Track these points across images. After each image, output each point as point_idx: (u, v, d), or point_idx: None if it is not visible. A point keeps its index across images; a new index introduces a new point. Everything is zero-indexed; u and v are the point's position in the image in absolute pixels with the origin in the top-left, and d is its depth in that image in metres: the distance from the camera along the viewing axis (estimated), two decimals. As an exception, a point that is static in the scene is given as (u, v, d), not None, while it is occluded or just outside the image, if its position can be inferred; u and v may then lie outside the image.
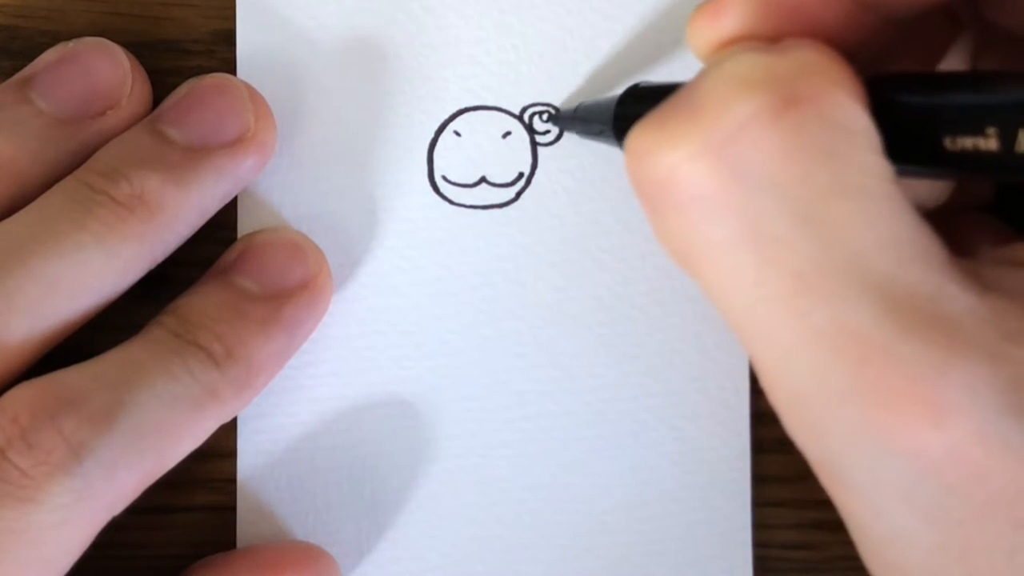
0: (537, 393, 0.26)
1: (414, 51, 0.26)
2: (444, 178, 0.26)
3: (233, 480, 0.26)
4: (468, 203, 0.26)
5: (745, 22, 0.19)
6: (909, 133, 0.18)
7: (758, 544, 0.27)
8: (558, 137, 0.26)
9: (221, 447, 0.25)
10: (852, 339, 0.16)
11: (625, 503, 0.26)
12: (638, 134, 0.18)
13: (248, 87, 0.24)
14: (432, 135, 0.26)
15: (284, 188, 0.26)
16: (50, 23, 0.25)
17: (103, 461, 0.21)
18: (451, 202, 0.26)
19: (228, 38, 0.25)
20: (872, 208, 0.17)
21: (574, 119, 0.25)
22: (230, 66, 0.25)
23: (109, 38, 0.24)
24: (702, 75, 0.18)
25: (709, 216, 0.17)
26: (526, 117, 0.26)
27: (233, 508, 0.26)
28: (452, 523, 0.26)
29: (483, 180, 0.26)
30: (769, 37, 0.19)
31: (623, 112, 0.23)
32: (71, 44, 0.24)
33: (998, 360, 0.16)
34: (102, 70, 0.24)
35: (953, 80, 0.19)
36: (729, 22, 0.19)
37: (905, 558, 0.17)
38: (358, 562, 0.26)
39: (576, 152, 0.26)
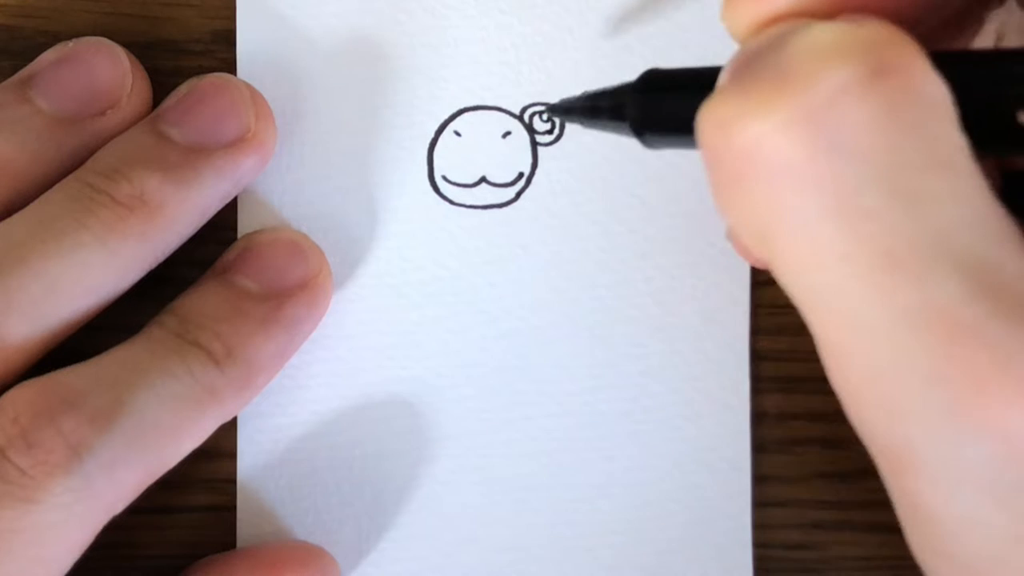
0: (537, 393, 0.26)
1: (414, 51, 0.26)
2: (444, 178, 0.26)
3: (233, 480, 0.26)
4: (468, 203, 0.26)
5: None
6: (981, 110, 0.18)
7: (758, 544, 0.27)
8: (558, 137, 0.26)
9: (221, 447, 0.25)
10: (941, 318, 0.16)
11: (625, 503, 0.26)
12: (718, 104, 0.17)
13: (248, 87, 0.24)
14: (432, 135, 0.26)
15: (284, 188, 0.26)
16: (50, 23, 0.25)
17: (103, 461, 0.21)
18: (451, 202, 0.26)
19: (228, 38, 0.25)
20: (960, 184, 0.16)
21: (576, 108, 0.25)
22: (230, 66, 0.25)
23: (109, 38, 0.24)
24: (778, 45, 0.17)
25: (798, 187, 0.17)
26: (526, 117, 0.26)
27: (233, 508, 0.26)
28: (452, 523, 0.26)
29: (483, 180, 0.26)
30: (823, 13, 0.18)
31: (639, 97, 0.22)
32: (71, 44, 0.24)
33: None
34: (102, 70, 0.24)
35: (1016, 55, 0.18)
36: None
37: (974, 548, 0.17)
38: (358, 562, 0.26)
39: (576, 152, 0.26)
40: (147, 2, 0.25)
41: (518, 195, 0.26)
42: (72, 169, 0.23)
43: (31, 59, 0.24)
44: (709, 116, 0.18)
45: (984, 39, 0.22)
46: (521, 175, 0.26)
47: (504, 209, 0.26)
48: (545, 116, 0.26)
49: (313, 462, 0.26)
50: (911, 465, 0.17)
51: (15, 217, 0.22)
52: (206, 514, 0.26)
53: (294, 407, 0.26)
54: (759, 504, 0.27)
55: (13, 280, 0.21)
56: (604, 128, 0.23)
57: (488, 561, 0.26)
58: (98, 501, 0.21)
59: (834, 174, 0.17)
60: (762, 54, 0.17)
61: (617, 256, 0.26)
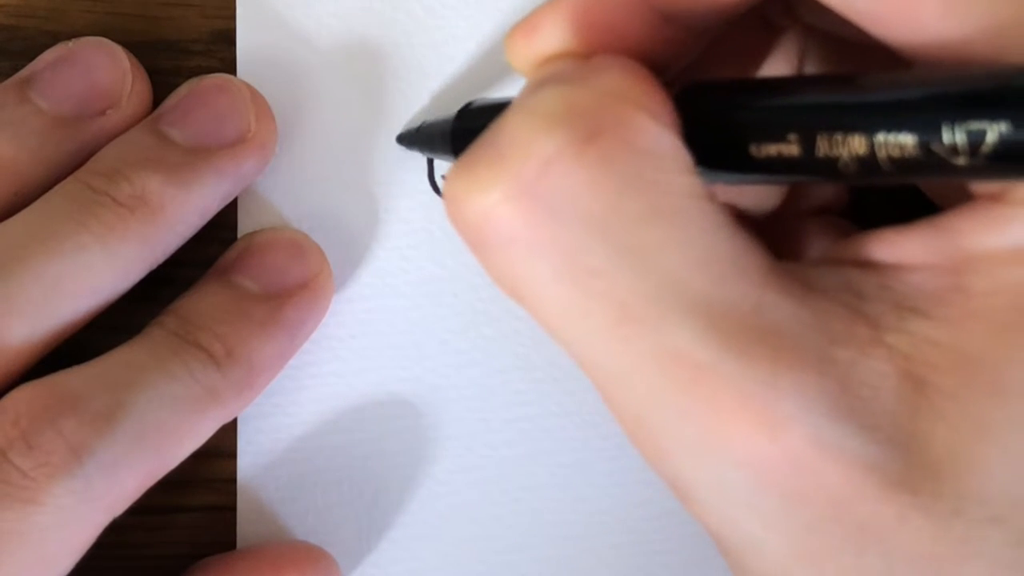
0: (537, 393, 0.26)
1: (414, 51, 0.26)
2: (444, 178, 0.26)
3: (233, 480, 0.26)
4: (468, 203, 0.26)
5: (558, 40, 0.19)
6: (719, 143, 0.18)
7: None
8: None
9: (221, 447, 0.25)
10: (679, 362, 0.17)
11: (625, 503, 0.26)
12: (451, 180, 0.18)
13: (249, 87, 0.24)
14: (432, 135, 0.26)
15: (284, 188, 0.26)
16: (50, 23, 0.25)
17: (104, 462, 0.21)
18: (451, 202, 0.26)
19: (228, 38, 0.25)
20: (683, 229, 0.17)
21: (416, 139, 0.25)
22: (230, 66, 0.25)
23: (109, 38, 0.24)
24: (505, 115, 0.18)
25: (528, 255, 0.17)
26: (526, 117, 0.26)
27: (233, 508, 0.26)
28: (452, 523, 0.26)
29: (483, 180, 0.26)
30: (582, 53, 0.19)
31: (459, 129, 0.23)
32: (71, 44, 0.24)
33: (824, 364, 0.16)
34: (102, 70, 0.24)
35: (756, 86, 0.19)
36: (544, 40, 0.19)
37: (763, 567, 0.18)
38: (358, 562, 0.26)
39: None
40: (147, 2, 0.25)
41: (518, 195, 0.26)
42: (72, 169, 0.23)
43: (31, 59, 0.24)
44: (445, 192, 0.18)
45: (784, 57, 0.23)
46: (521, 175, 0.26)
47: (504, 209, 0.26)
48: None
49: (313, 462, 0.26)
50: (688, 496, 0.18)
51: (15, 218, 0.22)
52: (206, 514, 0.26)
53: (294, 407, 0.26)
54: (758, 504, 0.27)
55: (13, 281, 0.21)
56: (439, 156, 0.24)
57: (488, 561, 0.26)
58: (99, 502, 0.21)
59: (556, 240, 0.17)
60: (492, 127, 0.18)
61: (617, 256, 0.26)
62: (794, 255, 0.18)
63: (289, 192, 0.26)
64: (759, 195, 0.23)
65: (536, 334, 0.26)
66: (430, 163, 0.26)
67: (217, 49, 0.25)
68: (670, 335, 0.17)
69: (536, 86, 0.18)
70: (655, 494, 0.26)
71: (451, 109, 0.24)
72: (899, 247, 0.18)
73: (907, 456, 0.16)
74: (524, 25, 0.20)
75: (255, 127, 0.24)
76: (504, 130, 0.18)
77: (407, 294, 0.26)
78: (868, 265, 0.18)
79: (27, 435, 0.21)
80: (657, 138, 0.17)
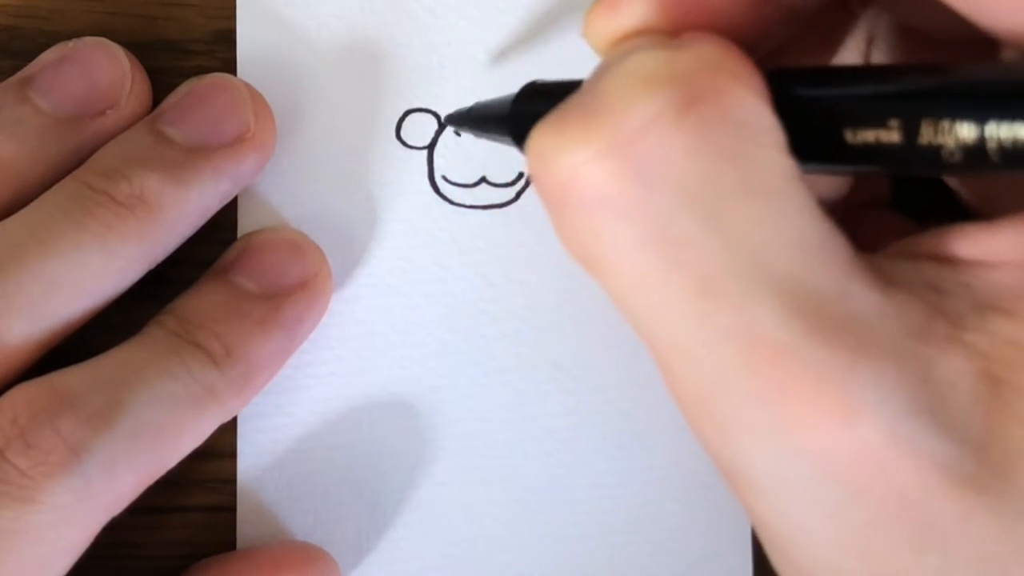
0: (537, 393, 0.26)
1: (414, 51, 0.26)
2: (444, 178, 0.26)
3: (233, 480, 0.26)
4: (468, 203, 0.26)
5: (644, 15, 0.19)
6: (812, 128, 0.18)
7: (758, 544, 0.27)
8: None
9: (221, 447, 0.25)
10: (758, 341, 0.16)
11: (625, 503, 0.26)
12: (539, 135, 0.18)
13: (248, 87, 0.24)
14: (432, 135, 0.26)
15: (284, 188, 0.26)
16: (50, 23, 0.25)
17: (102, 461, 0.21)
18: (451, 202, 0.26)
19: (228, 38, 0.25)
20: (777, 208, 0.17)
21: (467, 118, 0.25)
22: (230, 66, 0.25)
23: (109, 38, 0.24)
24: (602, 73, 0.18)
25: (614, 218, 0.17)
26: (526, 117, 0.26)
27: (233, 508, 0.26)
28: (452, 523, 0.26)
29: (483, 180, 0.26)
30: (668, 31, 0.18)
31: (519, 111, 0.22)
32: (71, 44, 0.24)
33: (905, 359, 0.16)
34: (102, 70, 0.24)
35: (854, 73, 0.19)
36: (628, 15, 0.19)
37: (811, 559, 0.17)
38: (358, 562, 0.26)
39: (576, 152, 0.26)
40: (147, 2, 0.25)
41: (518, 195, 0.26)
42: (72, 169, 0.23)
43: (31, 59, 0.24)
44: (531, 147, 0.18)
45: (854, 46, 0.22)
46: (521, 175, 0.26)
47: (504, 209, 0.26)
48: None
49: (313, 462, 0.26)
50: (744, 480, 0.18)
51: (14, 217, 0.22)
52: (206, 514, 0.26)
53: (294, 407, 0.26)
54: (759, 504, 0.27)
55: (12, 280, 0.21)
56: (492, 138, 0.24)
57: (488, 561, 0.26)
58: (97, 501, 0.21)
59: (646, 204, 0.17)
60: (587, 84, 0.18)
61: (617, 256, 0.26)
62: (863, 248, 0.18)
63: (289, 192, 0.26)
64: (825, 185, 0.23)
65: (536, 334, 0.26)
66: (430, 163, 0.26)
67: (217, 49, 0.25)
68: (752, 313, 0.16)
69: (627, 52, 0.18)
70: (655, 494, 0.26)
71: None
72: (982, 243, 0.17)
73: (979, 455, 0.16)
74: (606, 0, 0.19)
75: (254, 127, 0.24)
76: (600, 89, 0.17)
77: (407, 294, 0.26)
78: (948, 260, 0.17)
79: (25, 434, 0.21)
80: (756, 112, 0.17)
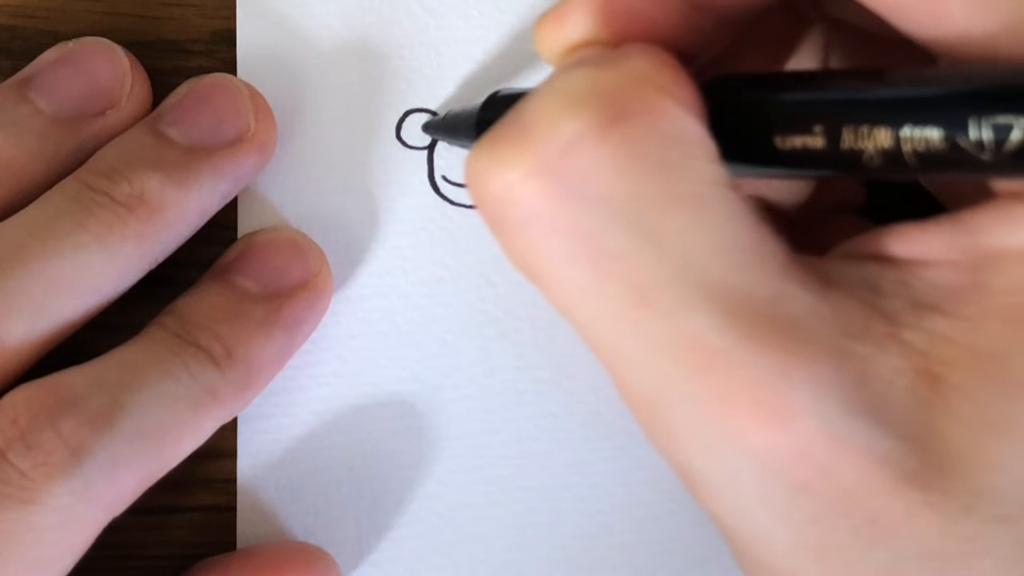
0: (537, 393, 0.26)
1: (414, 51, 0.26)
2: (444, 178, 0.26)
3: (233, 480, 0.26)
4: (468, 203, 0.26)
5: (587, 28, 0.19)
6: (745, 134, 0.18)
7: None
8: None
9: (221, 447, 0.25)
10: (693, 348, 0.17)
11: (625, 503, 0.26)
12: (475, 154, 0.18)
13: (248, 87, 0.24)
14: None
15: (284, 188, 0.26)
16: (50, 23, 0.25)
17: (103, 462, 0.21)
18: (451, 202, 0.26)
19: (228, 38, 0.25)
20: (706, 216, 0.17)
21: (441, 127, 0.25)
22: (230, 66, 0.25)
23: (109, 38, 0.24)
24: (532, 94, 0.18)
25: (548, 234, 0.18)
26: (526, 117, 0.26)
27: (233, 508, 0.26)
28: (452, 523, 0.26)
29: (483, 180, 0.26)
30: (611, 41, 0.19)
31: (485, 119, 0.23)
32: (71, 44, 0.24)
33: (840, 358, 0.16)
34: (102, 70, 0.24)
35: (782, 80, 0.19)
36: (572, 28, 0.19)
37: (769, 556, 0.18)
38: (358, 562, 0.26)
39: (576, 152, 0.26)
40: (147, 2, 0.25)
41: (518, 195, 0.26)
42: (72, 169, 0.23)
43: (31, 59, 0.24)
44: (468, 166, 0.18)
45: (811, 51, 0.23)
46: (521, 175, 0.26)
47: (504, 209, 0.26)
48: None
49: (313, 462, 0.26)
50: (698, 483, 0.18)
51: (15, 218, 0.22)
52: (206, 514, 0.26)
53: (294, 407, 0.26)
54: (759, 504, 0.27)
55: (12, 281, 0.21)
56: (463, 145, 0.24)
57: (488, 561, 0.26)
58: (98, 502, 0.21)
59: (576, 220, 0.17)
60: (519, 105, 0.18)
61: (617, 256, 0.26)
62: (815, 251, 0.18)
63: (289, 192, 0.26)
64: (785, 190, 0.23)
65: (536, 334, 0.26)
66: (430, 163, 0.26)
67: (217, 49, 0.25)
68: (685, 320, 0.17)
69: (563, 70, 0.18)
70: (655, 494, 0.26)
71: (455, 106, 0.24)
72: (918, 243, 0.17)
73: (920, 452, 0.16)
74: (553, 13, 0.20)
75: (255, 127, 0.24)
76: (529, 109, 0.18)
77: (407, 294, 0.26)
78: (887, 260, 0.18)
79: (26, 435, 0.21)
80: (682, 124, 0.17)
